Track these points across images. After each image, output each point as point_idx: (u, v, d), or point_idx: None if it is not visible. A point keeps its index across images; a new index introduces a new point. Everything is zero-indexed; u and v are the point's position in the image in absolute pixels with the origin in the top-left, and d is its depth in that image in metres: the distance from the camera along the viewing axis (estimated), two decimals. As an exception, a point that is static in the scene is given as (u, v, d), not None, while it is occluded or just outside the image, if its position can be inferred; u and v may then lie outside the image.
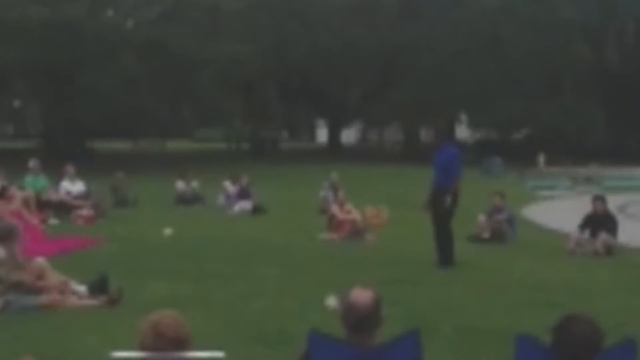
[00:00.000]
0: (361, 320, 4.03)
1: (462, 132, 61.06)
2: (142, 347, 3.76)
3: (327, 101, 54.39)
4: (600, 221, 13.87)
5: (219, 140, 55.62)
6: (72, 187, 18.67)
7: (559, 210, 22.30)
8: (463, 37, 45.69)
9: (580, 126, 46.81)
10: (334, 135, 58.23)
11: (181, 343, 3.76)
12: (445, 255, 11.88)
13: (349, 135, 63.78)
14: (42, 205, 16.98)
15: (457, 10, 46.21)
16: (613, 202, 16.37)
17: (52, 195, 18.13)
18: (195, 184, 22.30)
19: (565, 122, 46.49)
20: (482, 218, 15.46)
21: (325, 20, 46.80)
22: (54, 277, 8.98)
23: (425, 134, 61.47)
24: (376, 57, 47.74)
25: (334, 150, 53.36)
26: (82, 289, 8.98)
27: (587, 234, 13.92)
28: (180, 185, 22.09)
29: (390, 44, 47.05)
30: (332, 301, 8.47)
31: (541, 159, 41.63)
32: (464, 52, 45.64)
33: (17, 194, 14.95)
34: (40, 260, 9.15)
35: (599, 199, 14.38)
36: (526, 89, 47.52)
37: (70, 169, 18.96)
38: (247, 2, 44.54)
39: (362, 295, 4.12)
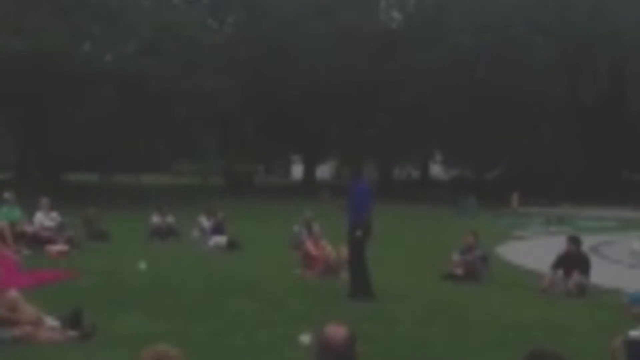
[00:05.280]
0: (337, 356, 4.06)
1: (436, 170, 61.41)
2: None
3: (304, 136, 54.43)
4: (573, 261, 13.97)
5: (195, 174, 55.50)
6: (47, 219, 18.58)
7: (532, 249, 22.42)
8: (440, 75, 46.02)
9: (555, 164, 47.32)
10: (309, 171, 58.20)
11: None
12: (358, 287, 11.99)
13: (324, 171, 63.89)
14: (16, 237, 16.89)
15: (435, 48, 46.54)
16: (586, 243, 16.51)
17: (26, 227, 18.07)
18: (170, 218, 22.21)
19: (540, 160, 46.99)
20: (455, 256, 15.59)
21: (305, 56, 47.06)
22: (28, 310, 8.89)
23: (398, 172, 61.81)
24: (354, 93, 48.06)
25: (309, 186, 53.25)
26: (55, 323, 8.91)
27: (560, 273, 14.01)
28: (155, 219, 21.98)
29: (368, 81, 47.42)
30: (306, 338, 8.48)
31: (515, 198, 41.94)
32: (440, 91, 46.00)
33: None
34: (13, 293, 9.06)
35: (574, 240, 14.51)
36: (502, 127, 47.97)
37: (44, 201, 18.89)
38: (226, 36, 44.81)
39: (337, 331, 4.14)
